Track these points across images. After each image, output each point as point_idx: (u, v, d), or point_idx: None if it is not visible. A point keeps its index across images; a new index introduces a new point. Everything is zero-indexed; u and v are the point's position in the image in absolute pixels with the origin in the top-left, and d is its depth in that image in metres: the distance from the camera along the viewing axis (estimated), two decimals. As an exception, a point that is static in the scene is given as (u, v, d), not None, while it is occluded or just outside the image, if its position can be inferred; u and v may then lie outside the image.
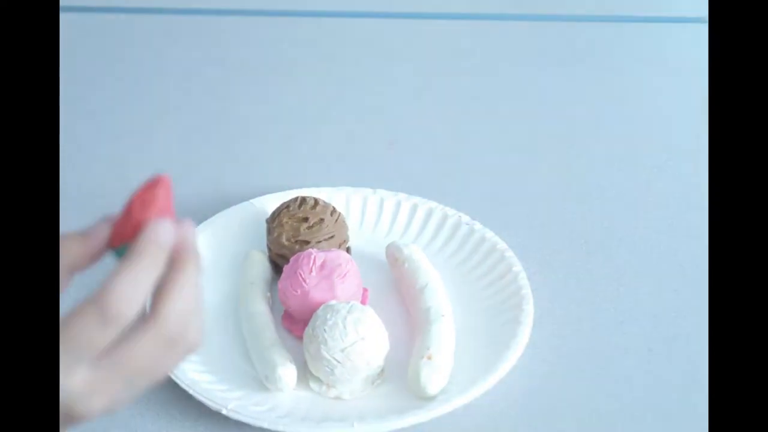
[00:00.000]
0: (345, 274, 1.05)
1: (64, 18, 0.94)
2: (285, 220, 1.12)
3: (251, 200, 1.22)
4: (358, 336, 0.98)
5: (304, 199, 1.13)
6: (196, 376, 1.00)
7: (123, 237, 0.65)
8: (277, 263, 1.13)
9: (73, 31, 1.62)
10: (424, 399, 0.98)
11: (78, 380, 0.60)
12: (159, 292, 0.63)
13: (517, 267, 1.11)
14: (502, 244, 1.15)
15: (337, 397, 1.00)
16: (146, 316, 0.62)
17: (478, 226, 1.18)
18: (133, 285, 0.61)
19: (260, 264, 1.12)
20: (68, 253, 0.64)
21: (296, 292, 1.04)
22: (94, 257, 0.66)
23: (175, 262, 0.64)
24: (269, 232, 1.13)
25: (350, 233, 1.16)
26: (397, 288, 1.12)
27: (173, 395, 1.00)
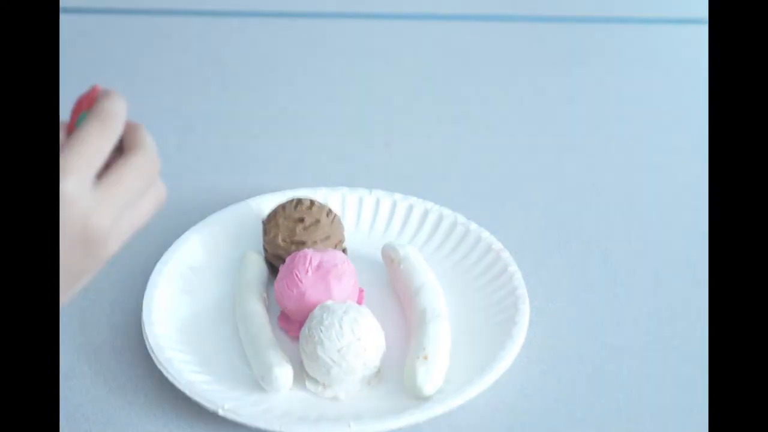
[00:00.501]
0: (341, 275, 1.05)
1: (64, 19, 0.94)
2: (281, 220, 1.12)
3: (247, 200, 1.22)
4: (354, 336, 0.98)
5: (300, 200, 1.13)
6: (192, 376, 1.00)
7: (81, 110, 0.76)
8: (273, 264, 1.13)
9: (72, 33, 1.62)
10: (421, 399, 0.98)
11: (89, 190, 0.70)
12: (132, 135, 0.75)
13: (513, 267, 1.12)
14: (497, 245, 1.15)
15: (334, 398, 1.00)
16: (131, 148, 0.74)
17: (473, 226, 1.18)
18: (116, 103, 0.75)
19: (256, 264, 1.12)
20: None
21: (292, 292, 1.04)
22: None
23: (131, 123, 0.77)
24: (265, 232, 1.13)
25: (346, 234, 1.16)
26: (393, 288, 1.12)
27: (169, 396, 1.00)
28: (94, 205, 0.70)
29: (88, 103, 0.76)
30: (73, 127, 0.75)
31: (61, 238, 0.70)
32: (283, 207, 1.13)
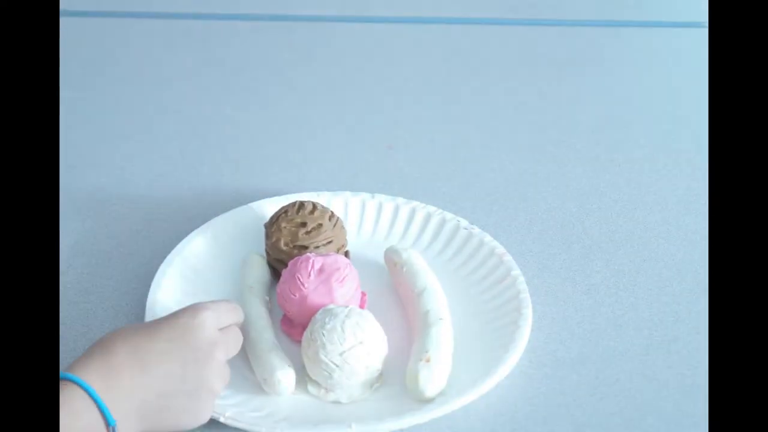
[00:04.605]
0: (343, 278, 1.05)
1: (63, 22, 0.95)
2: (283, 225, 1.12)
3: (250, 204, 1.22)
4: (356, 340, 0.98)
5: (302, 204, 1.13)
6: (194, 380, 1.00)
7: None
8: (276, 268, 1.13)
9: (72, 35, 1.62)
10: (423, 402, 0.98)
11: (217, 328, 0.92)
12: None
13: (516, 271, 1.12)
14: (500, 248, 1.15)
15: (336, 401, 0.99)
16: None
17: (476, 230, 1.18)
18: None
19: (259, 268, 1.12)
20: None
21: (294, 296, 1.04)
22: None
23: None
24: (267, 237, 1.13)
25: (349, 237, 1.16)
26: (396, 292, 1.12)
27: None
28: (219, 337, 0.92)
29: None
30: None
31: (190, 347, 0.89)
32: (285, 211, 1.13)
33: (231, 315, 0.97)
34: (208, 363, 0.90)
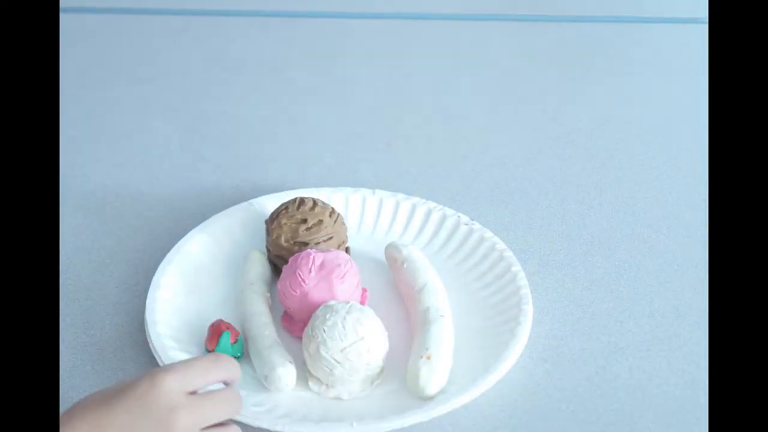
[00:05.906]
0: (344, 275, 1.05)
1: (63, 19, 0.95)
2: (284, 221, 1.12)
3: (250, 200, 1.22)
4: (357, 336, 0.98)
5: (302, 200, 1.13)
6: (195, 376, 1.00)
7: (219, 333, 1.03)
8: (276, 264, 1.13)
9: (72, 32, 1.62)
10: (423, 399, 0.98)
11: (182, 392, 0.84)
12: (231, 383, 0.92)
13: (516, 267, 1.12)
14: (501, 244, 1.15)
15: (336, 398, 1.00)
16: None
17: (476, 226, 1.18)
18: (232, 361, 0.91)
19: (260, 264, 1.12)
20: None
21: (295, 292, 1.04)
22: None
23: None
24: (268, 233, 1.13)
25: (349, 234, 1.16)
26: (396, 288, 1.12)
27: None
28: (184, 402, 0.84)
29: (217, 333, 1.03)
30: (215, 343, 1.02)
31: (149, 417, 0.82)
32: (286, 207, 1.13)
33: (210, 375, 0.89)
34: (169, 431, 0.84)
